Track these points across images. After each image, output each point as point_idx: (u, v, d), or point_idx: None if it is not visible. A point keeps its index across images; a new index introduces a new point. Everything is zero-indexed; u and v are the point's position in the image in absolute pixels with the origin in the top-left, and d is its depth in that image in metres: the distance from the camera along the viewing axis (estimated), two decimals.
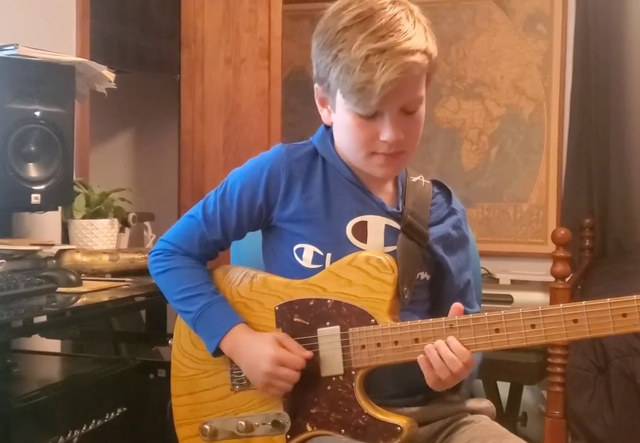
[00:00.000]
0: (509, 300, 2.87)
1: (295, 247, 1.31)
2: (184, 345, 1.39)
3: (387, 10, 1.18)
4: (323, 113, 1.32)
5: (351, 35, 1.17)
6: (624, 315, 1.09)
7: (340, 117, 1.26)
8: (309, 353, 1.25)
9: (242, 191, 1.33)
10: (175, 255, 1.38)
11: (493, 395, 2.83)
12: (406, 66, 1.16)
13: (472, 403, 1.37)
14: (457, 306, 1.19)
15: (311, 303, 1.27)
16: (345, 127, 1.26)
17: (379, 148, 1.24)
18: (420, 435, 1.27)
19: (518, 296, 2.89)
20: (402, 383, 1.27)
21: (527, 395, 3.03)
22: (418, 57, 1.18)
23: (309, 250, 1.30)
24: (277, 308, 1.29)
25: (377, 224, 1.30)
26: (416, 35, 1.18)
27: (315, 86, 1.29)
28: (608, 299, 1.11)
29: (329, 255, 1.28)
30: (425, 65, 1.20)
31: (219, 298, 1.33)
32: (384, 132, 1.22)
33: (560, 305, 1.13)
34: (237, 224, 1.35)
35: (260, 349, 1.25)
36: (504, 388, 2.89)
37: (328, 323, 1.25)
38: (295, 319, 1.28)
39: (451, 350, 1.16)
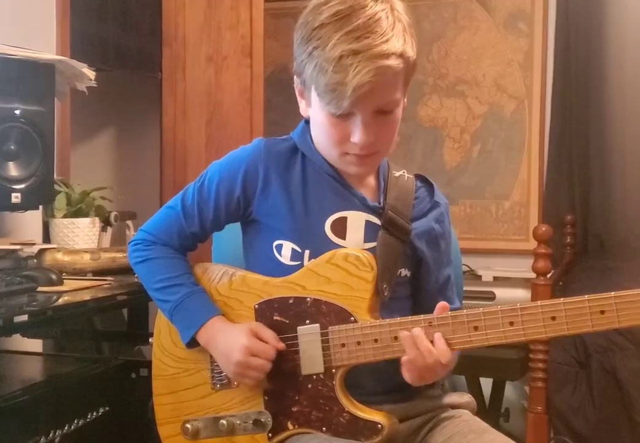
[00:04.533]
0: (491, 297, 2.88)
1: (275, 243, 1.31)
2: (164, 344, 1.39)
3: (366, 9, 1.16)
4: (301, 105, 1.32)
5: (327, 33, 1.15)
6: (602, 312, 1.09)
7: (315, 113, 1.26)
8: (282, 345, 1.25)
9: (220, 184, 1.33)
10: (155, 245, 1.38)
11: (476, 391, 2.84)
12: (379, 69, 1.14)
13: (453, 398, 1.37)
14: (442, 305, 1.19)
15: (291, 301, 1.27)
16: (320, 124, 1.25)
17: (351, 149, 1.24)
18: (401, 431, 1.28)
19: (500, 292, 2.90)
20: (382, 380, 1.28)
21: (510, 390, 3.05)
22: (392, 61, 1.16)
23: (288, 247, 1.30)
24: (256, 306, 1.29)
25: (357, 220, 1.30)
26: (393, 38, 1.16)
27: (294, 77, 1.29)
28: (586, 296, 1.10)
29: (307, 252, 1.28)
30: (400, 68, 1.18)
31: (198, 289, 1.33)
32: (355, 134, 1.21)
33: (539, 302, 1.13)
34: (214, 216, 1.35)
35: (234, 338, 1.25)
36: (486, 384, 2.90)
37: (308, 322, 1.25)
38: (275, 317, 1.28)
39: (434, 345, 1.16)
